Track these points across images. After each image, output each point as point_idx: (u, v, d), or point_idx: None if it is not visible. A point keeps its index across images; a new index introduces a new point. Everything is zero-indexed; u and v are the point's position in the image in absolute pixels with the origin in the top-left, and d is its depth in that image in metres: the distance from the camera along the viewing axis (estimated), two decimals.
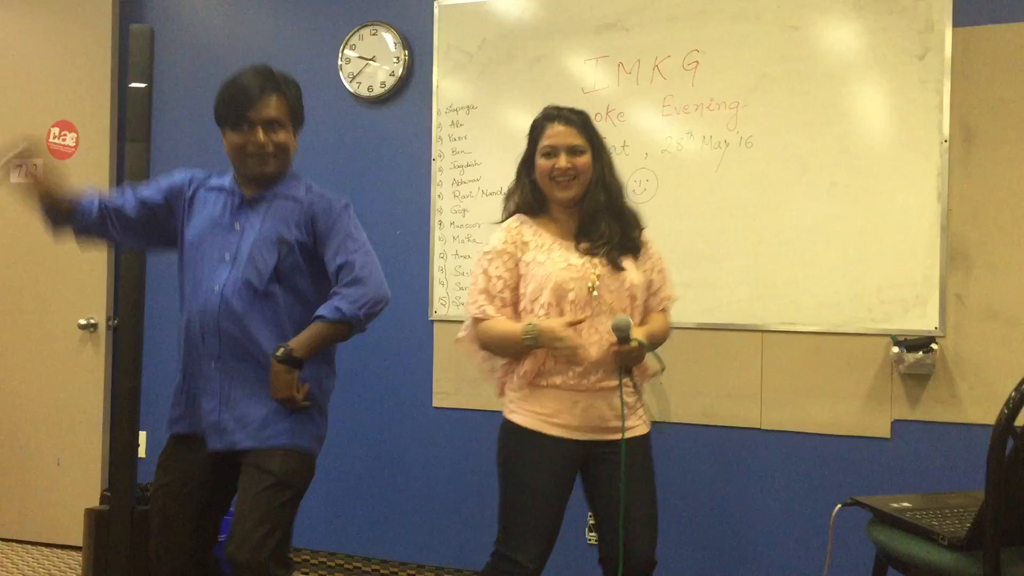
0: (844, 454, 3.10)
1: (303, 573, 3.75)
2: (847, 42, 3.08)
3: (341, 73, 3.72)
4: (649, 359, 2.33)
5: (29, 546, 4.02)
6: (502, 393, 2.45)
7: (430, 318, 3.61)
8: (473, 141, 3.54)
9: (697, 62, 3.23)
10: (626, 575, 2.28)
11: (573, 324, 2.19)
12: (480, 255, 2.40)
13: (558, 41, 3.42)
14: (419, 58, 3.64)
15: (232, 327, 2.24)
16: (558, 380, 2.29)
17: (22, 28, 4.13)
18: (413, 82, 3.66)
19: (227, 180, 2.37)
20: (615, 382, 2.27)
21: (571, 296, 2.26)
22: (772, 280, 3.13)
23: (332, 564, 3.74)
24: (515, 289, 2.35)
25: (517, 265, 2.35)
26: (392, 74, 3.65)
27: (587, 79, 3.38)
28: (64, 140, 4.00)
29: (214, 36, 3.98)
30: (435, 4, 3.59)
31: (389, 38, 3.65)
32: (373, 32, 3.68)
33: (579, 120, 2.34)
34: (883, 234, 3.03)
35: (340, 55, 3.72)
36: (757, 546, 3.19)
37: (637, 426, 2.35)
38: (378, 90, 3.67)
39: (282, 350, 2.22)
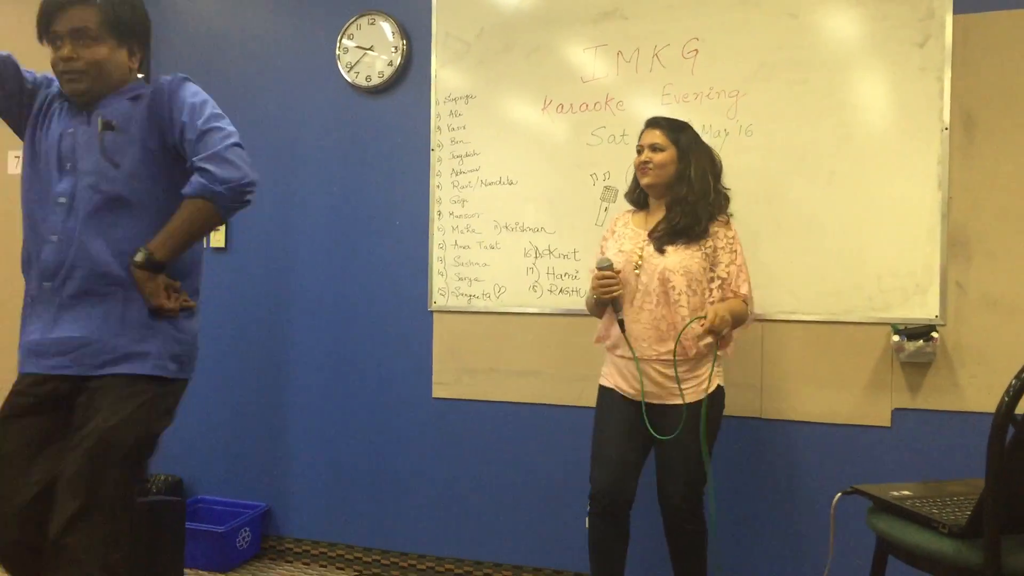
0: (844, 443, 3.09)
1: (304, 564, 3.76)
2: (847, 30, 3.07)
3: (339, 63, 3.71)
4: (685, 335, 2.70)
5: None
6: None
7: (429, 308, 3.60)
8: (472, 131, 3.53)
9: (696, 50, 3.21)
10: (664, 517, 2.74)
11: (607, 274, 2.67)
12: None
13: (556, 30, 3.41)
14: (417, 47, 3.63)
15: (76, 240, 2.08)
16: (617, 351, 2.78)
17: (20, 21, 4.10)
18: (411, 72, 3.64)
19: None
20: (647, 353, 2.70)
21: None
22: (772, 269, 3.12)
23: (333, 555, 3.75)
24: None
25: (605, 249, 2.86)
26: (390, 64, 3.63)
27: (586, 68, 3.37)
28: None
29: (210, 26, 3.97)
30: None
31: (387, 27, 3.63)
32: (371, 21, 3.66)
33: (667, 125, 2.78)
34: (883, 223, 3.02)
35: (338, 45, 3.71)
36: (758, 535, 3.19)
37: (686, 393, 2.68)
38: (376, 80, 3.66)
39: (141, 253, 2.08)
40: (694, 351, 2.67)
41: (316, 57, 3.76)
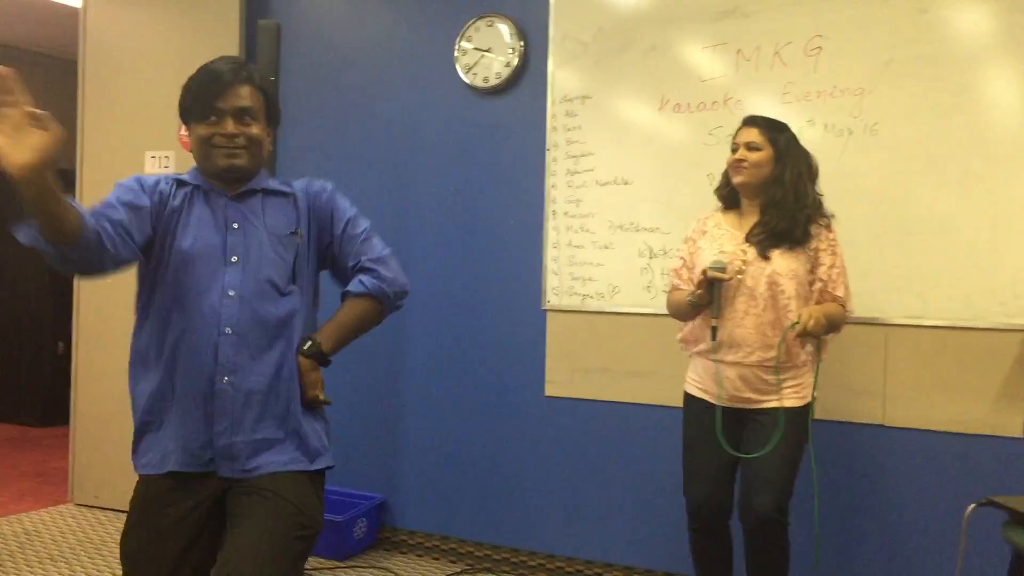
0: (973, 453, 2.98)
1: (417, 555, 3.84)
2: (979, 25, 2.95)
3: (457, 64, 3.77)
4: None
5: None
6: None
7: (543, 307, 3.63)
8: (587, 131, 3.54)
9: (820, 47, 3.14)
10: (743, 525, 2.63)
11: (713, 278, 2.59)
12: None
13: (674, 29, 3.39)
14: (534, 48, 3.66)
15: (253, 334, 1.99)
16: (713, 355, 2.69)
17: (151, 26, 4.32)
18: (528, 72, 3.67)
19: (193, 178, 2.07)
20: (750, 359, 2.63)
21: None
22: (897, 272, 3.03)
23: (445, 548, 3.82)
24: (692, 269, 2.77)
25: (695, 250, 2.79)
26: (507, 65, 3.68)
27: (704, 67, 3.33)
28: None
29: (335, 30, 4.09)
30: None
31: (505, 29, 3.68)
32: (489, 23, 3.71)
33: (765, 125, 2.71)
34: (1018, 224, 2.89)
35: (457, 47, 3.77)
36: (882, 545, 3.10)
37: (776, 400, 2.63)
38: (494, 81, 3.71)
39: (309, 344, 2.05)
40: (799, 355, 2.63)
41: (434, 59, 3.84)
